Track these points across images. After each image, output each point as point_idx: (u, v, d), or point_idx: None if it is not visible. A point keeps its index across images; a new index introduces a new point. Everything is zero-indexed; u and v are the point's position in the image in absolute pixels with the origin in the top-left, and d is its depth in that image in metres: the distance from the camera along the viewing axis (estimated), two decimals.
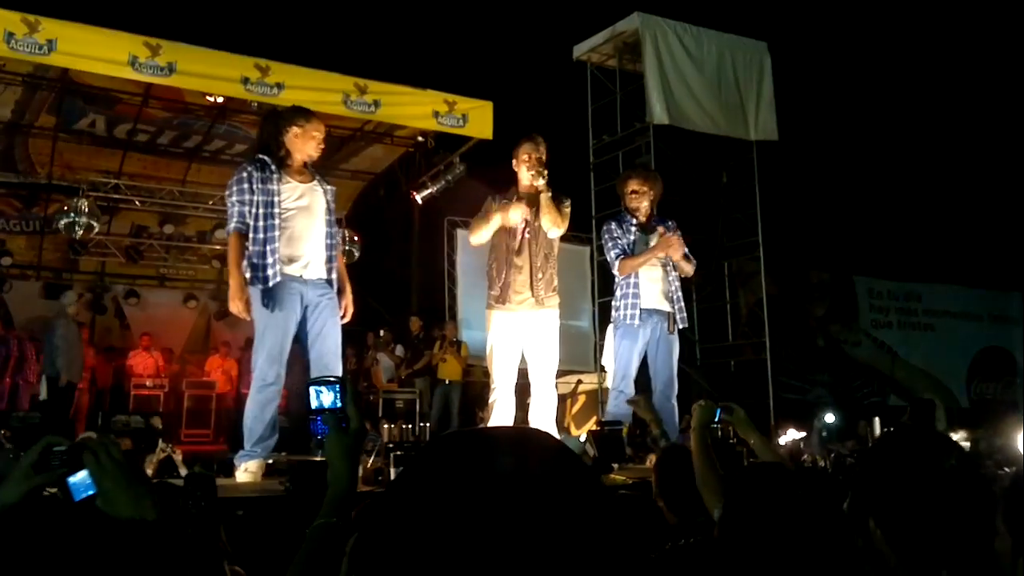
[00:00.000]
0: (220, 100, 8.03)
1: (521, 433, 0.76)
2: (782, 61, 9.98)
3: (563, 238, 5.27)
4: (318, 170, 4.66)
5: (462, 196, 9.58)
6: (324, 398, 1.52)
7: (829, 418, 5.72)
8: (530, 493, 0.68)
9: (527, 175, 4.97)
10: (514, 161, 5.07)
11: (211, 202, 10.86)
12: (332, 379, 1.54)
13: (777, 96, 9.77)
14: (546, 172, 4.90)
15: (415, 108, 8.14)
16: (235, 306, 4.30)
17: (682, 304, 5.41)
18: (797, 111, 10.39)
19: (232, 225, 4.34)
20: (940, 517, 1.29)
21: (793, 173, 11.70)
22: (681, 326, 5.40)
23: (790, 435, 5.38)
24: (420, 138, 9.31)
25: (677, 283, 5.39)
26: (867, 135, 13.38)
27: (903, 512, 1.31)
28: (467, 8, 13.53)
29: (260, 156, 4.47)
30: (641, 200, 5.42)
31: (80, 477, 1.27)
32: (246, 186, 4.33)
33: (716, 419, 2.86)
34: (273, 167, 4.41)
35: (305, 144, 4.47)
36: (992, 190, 13.53)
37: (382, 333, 10.95)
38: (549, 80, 11.42)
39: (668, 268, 5.38)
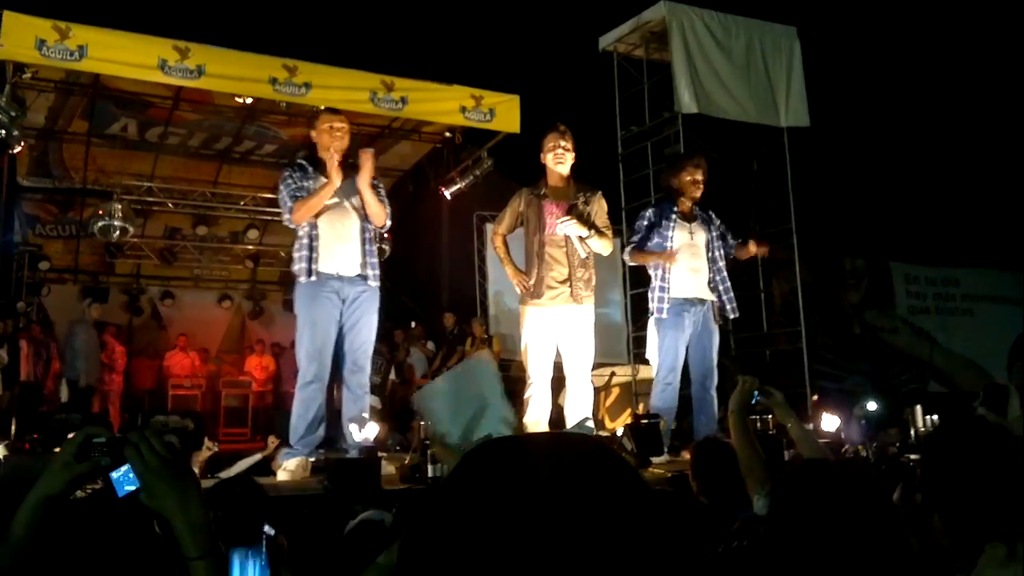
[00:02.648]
0: (249, 101, 8.07)
1: (568, 440, 0.76)
2: (812, 45, 9.83)
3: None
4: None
5: (490, 190, 9.57)
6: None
7: (870, 406, 5.62)
8: (579, 500, 0.67)
9: (553, 163, 4.99)
10: (541, 153, 5.08)
11: (243, 203, 10.95)
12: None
13: (808, 81, 9.64)
14: (578, 220, 4.89)
15: (442, 104, 8.13)
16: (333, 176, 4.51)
17: (731, 294, 5.37)
18: (829, 96, 10.24)
19: (289, 205, 4.57)
20: (1006, 508, 1.25)
21: (825, 159, 11.54)
22: (732, 316, 5.36)
23: (828, 423, 5.30)
24: (448, 133, 9.32)
25: (723, 272, 5.35)
26: (901, 119, 13.16)
27: (969, 503, 1.28)
28: (491, 2, 13.50)
29: (300, 160, 4.70)
30: (698, 189, 5.40)
31: (122, 472, 1.25)
32: (290, 181, 4.53)
33: (754, 401, 2.83)
34: (310, 168, 4.60)
35: (320, 137, 4.62)
36: None
37: (413, 325, 10.97)
38: (575, 72, 11.36)
39: (716, 256, 5.34)
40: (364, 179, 4.57)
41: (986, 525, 1.28)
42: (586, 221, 4.94)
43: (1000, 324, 13.03)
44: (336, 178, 4.48)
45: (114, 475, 1.25)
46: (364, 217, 4.70)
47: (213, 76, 7.10)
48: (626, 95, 9.73)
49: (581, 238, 4.91)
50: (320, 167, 4.68)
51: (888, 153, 13.23)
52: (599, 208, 5.07)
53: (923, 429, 5.28)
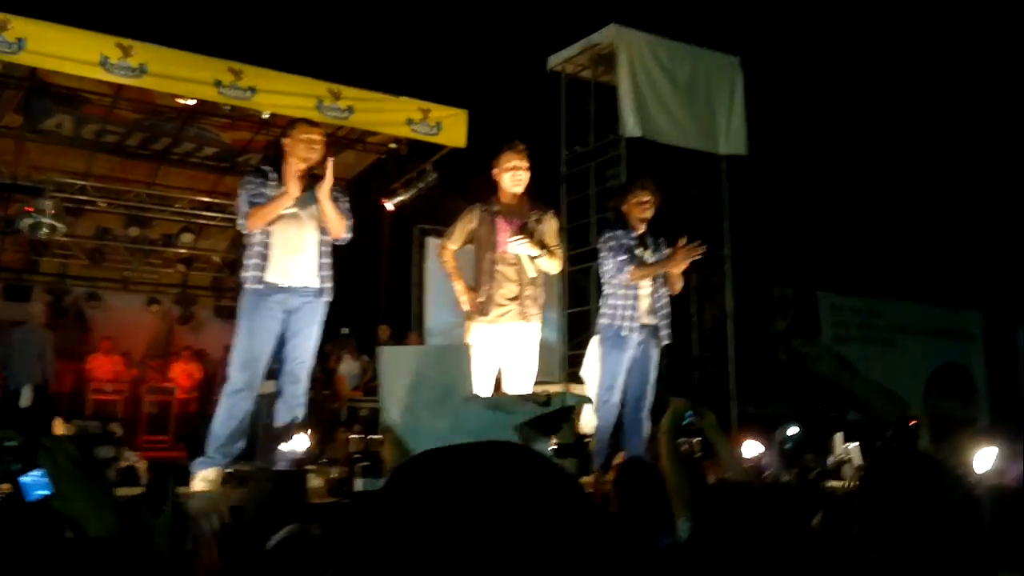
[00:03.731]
0: (192, 103, 7.95)
1: (504, 449, 0.74)
2: (751, 79, 10.11)
3: None
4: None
5: (433, 204, 9.58)
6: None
7: (791, 431, 5.77)
8: (518, 510, 0.66)
9: (510, 183, 5.02)
10: (495, 170, 5.09)
11: (178, 205, 10.74)
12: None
13: (748, 112, 9.89)
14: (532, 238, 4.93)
15: (389, 115, 8.13)
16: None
17: (669, 320, 5.41)
18: (766, 127, 10.53)
19: (245, 210, 4.47)
20: (944, 545, 1.30)
21: (759, 190, 11.85)
22: (666, 342, 5.39)
23: (750, 447, 5.42)
24: (393, 145, 9.30)
25: (665, 299, 5.40)
26: (832, 154, 13.60)
27: (907, 540, 1.32)
28: (440, 16, 13.55)
29: (263, 166, 4.62)
30: (648, 212, 5.41)
31: (34, 476, 1.22)
32: (250, 187, 4.46)
33: (686, 422, 2.88)
34: (272, 174, 4.54)
35: (295, 147, 4.54)
36: (951, 209, 13.84)
37: (343, 331, 10.82)
38: (522, 89, 11.46)
39: (658, 282, 5.39)
40: (325, 189, 4.50)
41: (923, 560, 1.31)
42: (537, 240, 4.98)
43: (919, 356, 13.49)
44: (295, 189, 4.42)
45: (25, 479, 1.23)
46: (321, 230, 4.65)
47: (155, 75, 7.00)
48: (572, 115, 9.86)
49: (532, 257, 4.95)
50: (284, 176, 4.63)
51: (818, 187, 13.65)
52: (550, 228, 5.11)
53: (841, 456, 5.45)
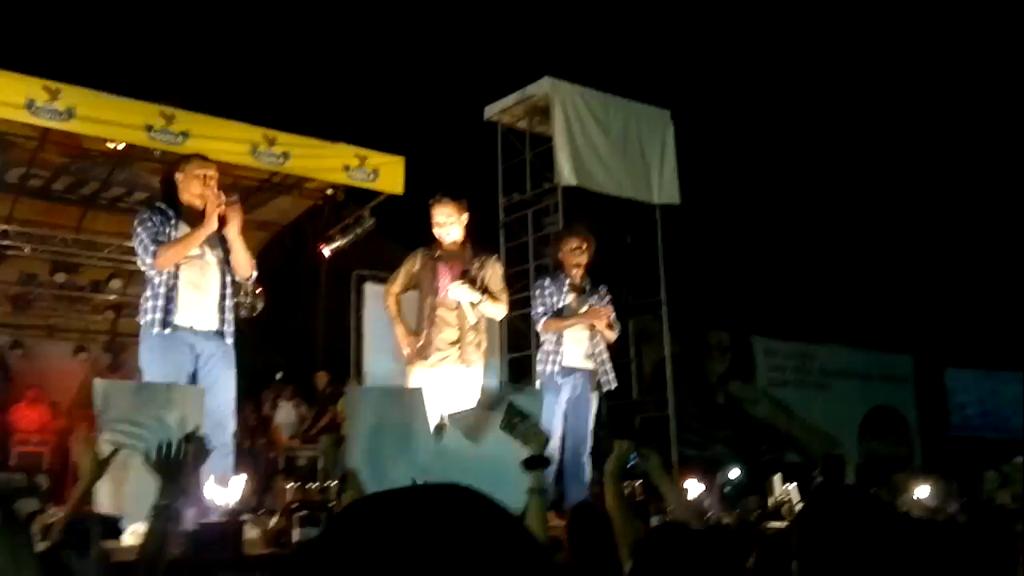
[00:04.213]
0: (121, 147, 7.79)
1: (444, 490, 0.72)
2: (682, 131, 10.34)
3: None
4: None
5: (371, 249, 9.51)
6: None
7: (733, 474, 5.82)
8: (459, 553, 0.64)
9: (442, 235, 5.03)
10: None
11: (106, 251, 10.45)
12: None
13: (680, 162, 10.10)
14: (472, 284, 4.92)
15: (325, 161, 8.08)
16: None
17: (609, 365, 5.47)
18: (698, 176, 10.77)
19: (152, 248, 4.28)
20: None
21: (694, 236, 12.09)
22: (606, 388, 5.45)
23: (694, 490, 5.44)
24: (329, 191, 9.23)
25: (603, 344, 5.48)
26: (763, 202, 13.98)
27: (845, 573, 1.32)
28: (376, 63, 13.64)
29: (159, 204, 4.46)
30: (581, 257, 5.52)
31: None
32: (149, 224, 4.32)
33: (631, 464, 2.88)
34: (171, 213, 4.40)
35: (189, 184, 4.44)
36: (880, 256, 14.30)
37: (279, 376, 10.60)
38: (461, 137, 11.56)
39: (595, 328, 5.47)
40: (235, 227, 4.42)
41: None
42: (480, 286, 4.97)
43: (852, 398, 13.81)
44: (213, 224, 4.32)
45: None
46: (224, 271, 4.54)
47: (84, 119, 6.84)
48: (509, 164, 9.94)
49: (472, 303, 4.94)
50: (182, 213, 4.50)
51: (751, 234, 14.00)
52: (493, 273, 5.10)
53: (780, 498, 5.49)
